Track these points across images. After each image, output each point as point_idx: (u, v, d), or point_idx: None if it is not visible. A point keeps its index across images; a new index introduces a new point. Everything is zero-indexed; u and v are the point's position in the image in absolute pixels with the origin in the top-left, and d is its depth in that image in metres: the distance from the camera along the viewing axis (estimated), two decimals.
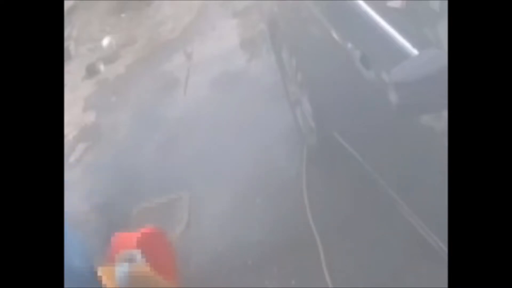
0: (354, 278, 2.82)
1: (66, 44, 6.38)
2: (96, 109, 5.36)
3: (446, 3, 1.60)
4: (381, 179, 2.67)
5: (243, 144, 3.95)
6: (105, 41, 6.44)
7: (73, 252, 2.04)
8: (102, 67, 6.00)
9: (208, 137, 4.20)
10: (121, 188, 4.10)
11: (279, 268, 3.06)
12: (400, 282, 2.69)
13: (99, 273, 1.87)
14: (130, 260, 2.03)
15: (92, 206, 3.99)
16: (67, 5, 6.75)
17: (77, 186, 4.28)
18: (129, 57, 5.99)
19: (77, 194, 4.17)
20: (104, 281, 1.82)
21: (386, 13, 2.33)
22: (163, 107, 4.88)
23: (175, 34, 6.01)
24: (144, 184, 4.05)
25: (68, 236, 1.83)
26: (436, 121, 2.00)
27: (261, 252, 3.17)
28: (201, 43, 5.61)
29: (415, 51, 2.06)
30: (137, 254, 2.14)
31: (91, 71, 5.98)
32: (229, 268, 3.17)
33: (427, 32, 2.14)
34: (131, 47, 6.15)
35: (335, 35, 2.71)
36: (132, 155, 4.46)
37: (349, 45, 2.54)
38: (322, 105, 3.20)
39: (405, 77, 1.88)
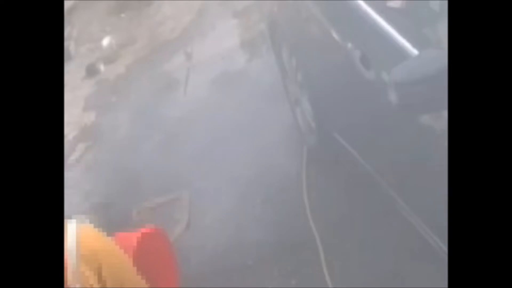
0: (354, 278, 2.82)
1: (66, 44, 6.38)
2: (96, 109, 5.36)
3: (446, 3, 1.60)
4: (381, 179, 2.67)
5: (243, 144, 3.95)
6: (105, 41, 6.44)
7: None
8: (102, 67, 6.00)
9: (208, 137, 4.20)
10: (121, 188, 4.10)
11: (279, 268, 3.06)
12: (400, 282, 2.69)
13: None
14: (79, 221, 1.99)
15: (92, 206, 3.99)
16: (67, 5, 6.74)
17: (77, 186, 4.28)
18: (129, 57, 5.99)
19: (77, 194, 4.17)
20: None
21: (386, 13, 2.33)
22: (163, 107, 4.88)
23: (175, 34, 6.01)
24: (144, 184, 4.05)
25: None
26: (436, 121, 2.00)
27: (261, 252, 3.17)
28: (201, 43, 5.61)
29: (415, 51, 2.06)
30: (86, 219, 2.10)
31: (91, 71, 5.98)
32: (229, 268, 3.17)
33: (427, 32, 2.14)
34: (131, 47, 6.15)
35: (335, 35, 2.71)
36: (132, 155, 4.46)
37: (349, 45, 2.55)
38: (322, 105, 3.20)
39: (405, 77, 1.88)
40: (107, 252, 1.92)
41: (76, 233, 1.76)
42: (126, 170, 4.25)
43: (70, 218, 1.83)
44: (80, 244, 1.74)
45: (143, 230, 2.99)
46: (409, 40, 2.13)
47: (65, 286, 1.65)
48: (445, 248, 2.14)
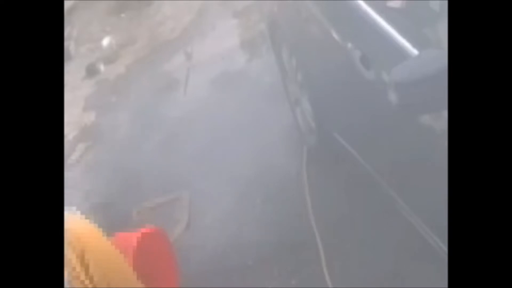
0: (354, 278, 2.82)
1: (66, 44, 6.38)
2: (96, 109, 5.36)
3: (446, 3, 1.60)
4: (381, 179, 2.67)
5: (243, 144, 3.95)
6: (105, 41, 6.44)
7: None
8: (102, 67, 6.00)
9: (208, 137, 4.20)
10: (121, 188, 4.10)
11: (279, 268, 3.06)
12: (400, 282, 2.69)
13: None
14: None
15: (92, 206, 3.99)
16: (67, 5, 6.74)
17: (77, 186, 4.28)
18: (129, 57, 5.99)
19: (77, 194, 4.17)
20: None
21: (386, 13, 2.33)
22: (163, 107, 4.88)
23: (175, 34, 6.01)
24: (144, 184, 4.05)
25: None
26: (436, 121, 2.00)
27: (261, 252, 3.17)
28: (201, 43, 5.61)
29: (415, 51, 2.06)
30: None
31: (91, 71, 5.99)
32: (229, 268, 3.17)
33: (427, 32, 2.14)
34: (131, 47, 6.15)
35: (335, 35, 2.71)
36: (132, 155, 4.46)
37: (349, 45, 2.55)
38: (322, 105, 3.20)
39: (405, 77, 1.88)
40: (90, 237, 1.94)
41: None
42: (126, 170, 4.25)
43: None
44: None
45: (143, 230, 2.99)
46: (409, 40, 2.13)
47: None
48: (445, 248, 2.14)
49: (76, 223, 1.89)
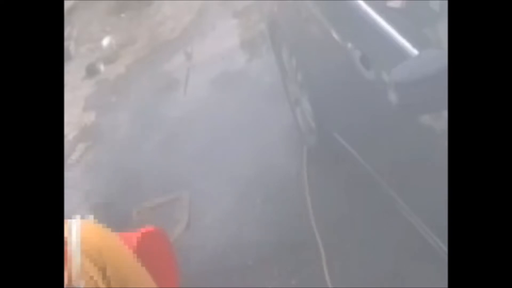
0: (354, 278, 2.82)
1: (66, 44, 6.38)
2: (96, 109, 5.36)
3: (446, 3, 1.60)
4: (381, 179, 2.67)
5: (243, 144, 3.95)
6: (105, 41, 6.44)
7: None
8: (102, 67, 6.00)
9: (208, 137, 4.20)
10: (121, 188, 4.10)
11: (279, 268, 3.06)
12: (400, 282, 2.69)
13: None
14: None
15: (92, 206, 3.99)
16: (67, 5, 6.75)
17: (77, 186, 4.28)
18: (129, 57, 5.99)
19: (77, 194, 4.17)
20: (65, 233, 1.78)
21: (386, 13, 2.33)
22: (163, 107, 4.88)
23: (175, 34, 6.01)
24: (144, 184, 4.05)
25: None
26: (436, 121, 2.00)
27: (261, 252, 3.17)
28: (201, 43, 5.61)
29: (415, 51, 2.06)
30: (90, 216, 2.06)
31: (91, 71, 5.99)
32: (229, 268, 3.17)
33: (427, 32, 2.15)
34: (131, 47, 6.15)
35: (335, 35, 2.71)
36: (132, 155, 4.46)
37: (349, 45, 2.55)
38: (322, 105, 3.20)
39: (405, 77, 1.89)
40: (112, 249, 1.92)
41: (79, 230, 1.76)
42: (126, 170, 4.25)
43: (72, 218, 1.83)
44: (83, 241, 1.74)
45: (143, 230, 2.99)
46: (409, 40, 2.13)
47: (69, 284, 1.65)
48: (445, 248, 2.14)
49: (95, 233, 1.87)
